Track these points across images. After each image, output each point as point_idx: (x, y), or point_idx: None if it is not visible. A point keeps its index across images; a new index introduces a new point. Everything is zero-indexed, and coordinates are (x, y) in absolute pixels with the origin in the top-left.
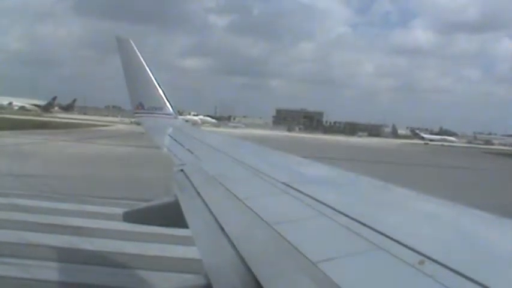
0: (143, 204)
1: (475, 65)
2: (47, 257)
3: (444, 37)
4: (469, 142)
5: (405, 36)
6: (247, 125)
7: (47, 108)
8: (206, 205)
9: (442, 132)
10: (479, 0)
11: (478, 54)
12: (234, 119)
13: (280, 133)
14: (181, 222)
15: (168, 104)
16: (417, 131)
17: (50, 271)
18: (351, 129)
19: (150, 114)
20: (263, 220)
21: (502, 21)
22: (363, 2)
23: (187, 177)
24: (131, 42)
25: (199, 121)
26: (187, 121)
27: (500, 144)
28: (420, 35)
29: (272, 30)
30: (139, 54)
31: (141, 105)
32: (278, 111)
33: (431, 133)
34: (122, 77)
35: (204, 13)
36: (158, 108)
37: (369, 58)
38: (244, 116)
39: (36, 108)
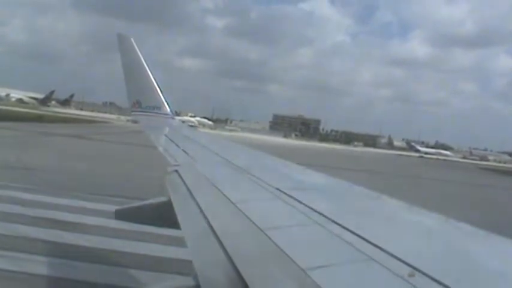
0: (136, 203)
1: (472, 80)
2: (35, 250)
3: (442, 50)
4: (464, 157)
5: (404, 48)
6: (243, 129)
7: (44, 101)
8: (199, 207)
9: (437, 145)
10: (477, 16)
11: (475, 68)
12: (231, 122)
13: (276, 139)
14: (173, 223)
15: (165, 103)
16: (413, 144)
17: (38, 265)
18: (347, 138)
19: (147, 113)
20: (255, 224)
21: (500, 36)
22: (362, 12)
23: (181, 178)
24: (132, 40)
25: (196, 122)
26: (184, 122)
27: (495, 160)
28: (418, 47)
29: (271, 35)
30: (139, 53)
31: (139, 103)
32: (275, 117)
33: (427, 146)
34: (121, 75)
35: (203, 15)
36: (156, 108)
37: (367, 68)
38: (241, 120)
39: (33, 101)
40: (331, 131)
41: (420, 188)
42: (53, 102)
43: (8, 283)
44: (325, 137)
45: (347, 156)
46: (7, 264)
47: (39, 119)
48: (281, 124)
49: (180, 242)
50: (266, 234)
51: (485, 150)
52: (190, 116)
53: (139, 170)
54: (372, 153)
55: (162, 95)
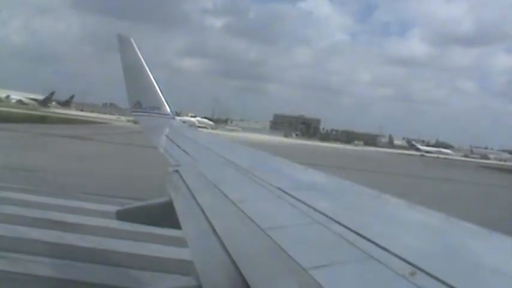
0: (137, 203)
1: (472, 78)
2: (37, 251)
3: (441, 49)
4: (465, 155)
5: (403, 47)
6: (244, 129)
7: (44, 102)
8: (200, 207)
9: (438, 144)
10: (476, 14)
11: (475, 67)
12: (231, 122)
13: (277, 138)
14: (174, 223)
15: (166, 104)
16: (413, 142)
17: (39, 266)
18: (348, 137)
19: (147, 114)
20: (256, 224)
21: (499, 34)
22: (361, 11)
23: (182, 178)
24: (132, 41)
25: (196, 122)
26: (184, 122)
27: (496, 159)
28: (418, 46)
29: (271, 35)
30: (139, 53)
31: (139, 104)
32: (275, 116)
33: (428, 145)
34: (121, 75)
35: (203, 15)
36: (156, 108)
37: (367, 67)
38: (241, 120)
39: (33, 102)
40: (332, 130)
41: (431, 189)
42: (53, 103)
43: (11, 284)
44: (325, 137)
45: (349, 156)
46: (10, 266)
47: (40, 120)
48: (282, 124)
49: (181, 242)
50: (267, 234)
51: (486, 148)
52: (191, 116)
53: (140, 171)
54: (373, 152)
55: (162, 95)
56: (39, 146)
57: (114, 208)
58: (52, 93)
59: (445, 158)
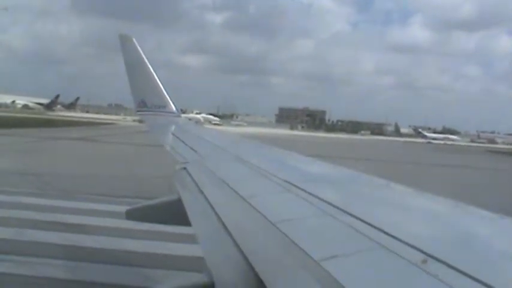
0: (146, 202)
1: (476, 63)
2: (49, 254)
3: (445, 34)
4: (472, 141)
5: (406, 34)
6: (249, 123)
7: (50, 106)
8: (209, 203)
9: (445, 130)
10: None
11: (479, 51)
12: (237, 117)
13: (283, 131)
14: (184, 220)
15: (170, 102)
16: (420, 130)
17: (52, 268)
18: (354, 127)
19: (153, 112)
20: (266, 218)
21: (501, 16)
22: (362, 1)
23: (190, 175)
24: (134, 40)
25: (201, 119)
26: (190, 119)
27: (504, 143)
28: (421, 32)
29: (273, 28)
30: (141, 53)
31: (144, 103)
32: (281, 110)
33: (434, 132)
34: (125, 75)
35: (203, 11)
36: (161, 107)
37: (370, 56)
38: (247, 114)
39: (39, 106)
40: (338, 121)
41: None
42: (58, 106)
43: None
44: (331, 128)
45: (357, 146)
46: (23, 269)
47: (47, 124)
48: (287, 117)
49: (191, 239)
50: (277, 227)
51: (493, 132)
52: (196, 113)
53: (149, 169)
54: (380, 141)
55: (167, 94)
56: (47, 150)
57: (123, 208)
58: (57, 97)
59: (452, 144)
